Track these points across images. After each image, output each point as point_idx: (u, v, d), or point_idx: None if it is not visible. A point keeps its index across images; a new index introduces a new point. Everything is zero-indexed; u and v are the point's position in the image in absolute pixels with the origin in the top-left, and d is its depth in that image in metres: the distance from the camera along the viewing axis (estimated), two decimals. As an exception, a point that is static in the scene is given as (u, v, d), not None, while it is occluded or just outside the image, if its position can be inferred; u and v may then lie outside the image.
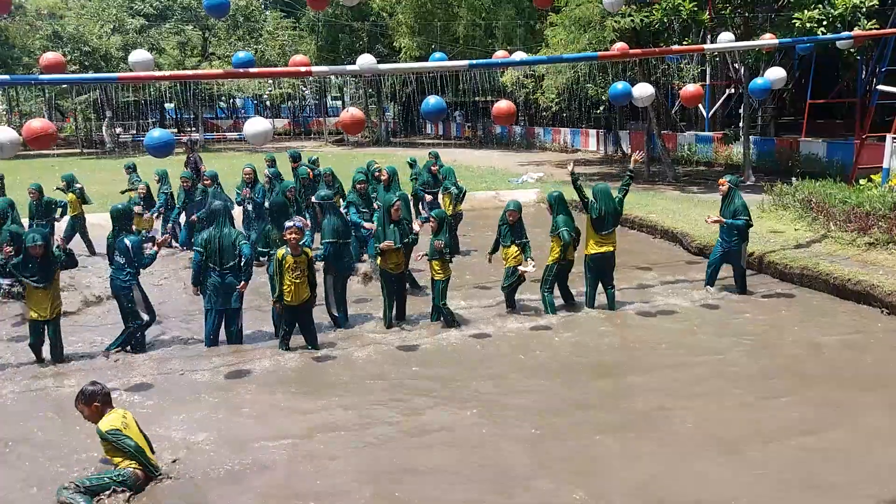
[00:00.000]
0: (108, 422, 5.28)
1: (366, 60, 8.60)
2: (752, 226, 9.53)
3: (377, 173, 11.58)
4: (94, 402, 5.37)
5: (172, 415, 6.42)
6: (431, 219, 8.68)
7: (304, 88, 46.74)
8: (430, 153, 13.85)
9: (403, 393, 6.80)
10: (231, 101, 52.95)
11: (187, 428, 6.15)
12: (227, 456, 5.65)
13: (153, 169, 13.73)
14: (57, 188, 13.03)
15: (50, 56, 8.04)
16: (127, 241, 7.80)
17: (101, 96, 37.24)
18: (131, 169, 14.21)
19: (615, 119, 29.26)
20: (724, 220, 9.36)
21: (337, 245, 8.54)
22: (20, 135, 6.92)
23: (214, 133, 44.70)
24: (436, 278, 8.50)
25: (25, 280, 7.45)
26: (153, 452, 5.43)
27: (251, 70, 8.77)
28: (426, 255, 8.56)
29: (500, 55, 9.98)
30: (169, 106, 47.25)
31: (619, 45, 9.92)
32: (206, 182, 12.30)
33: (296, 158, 13.93)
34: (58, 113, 47.98)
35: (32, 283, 7.40)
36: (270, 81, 39.63)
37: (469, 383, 6.99)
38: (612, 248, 8.93)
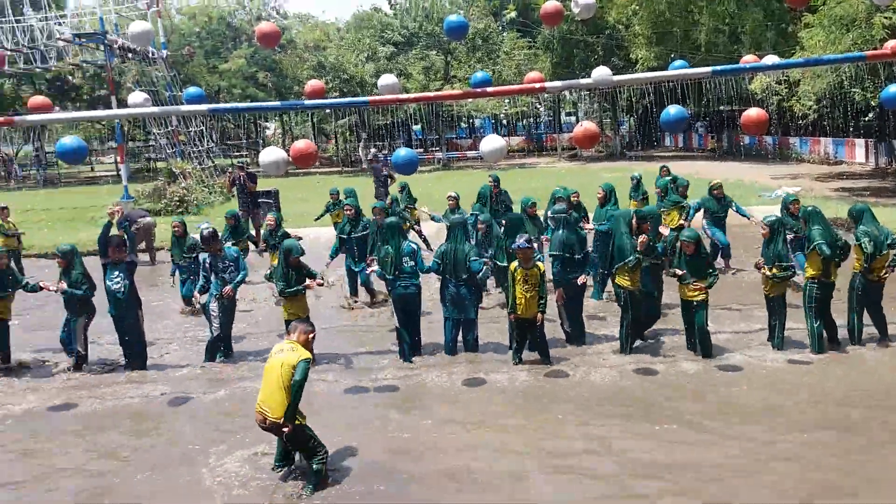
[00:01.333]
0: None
1: (601, 73, 8.47)
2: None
3: (531, 207, 10.74)
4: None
5: (406, 417, 6.81)
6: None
7: (539, 105, 47.36)
8: (661, 167, 13.32)
9: (636, 421, 6.51)
10: (470, 121, 55.22)
11: (417, 430, 6.48)
12: (443, 460, 5.90)
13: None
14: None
15: (313, 83, 9.00)
16: (413, 245, 8.41)
17: (357, 120, 40.88)
18: (336, 194, 15.17)
19: (889, 126, 25.80)
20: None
21: (564, 259, 8.48)
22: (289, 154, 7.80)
23: (456, 152, 46.90)
24: (694, 300, 7.93)
25: (280, 287, 8.03)
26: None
27: (488, 89, 9.04)
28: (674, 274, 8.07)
29: (747, 60, 9.32)
30: (416, 127, 50.44)
31: (893, 43, 8.77)
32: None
33: (497, 182, 13.92)
34: (322, 135, 53.55)
35: (288, 291, 8.01)
36: (507, 100, 40.71)
37: (712, 419, 6.48)
38: (883, 273, 7.91)
